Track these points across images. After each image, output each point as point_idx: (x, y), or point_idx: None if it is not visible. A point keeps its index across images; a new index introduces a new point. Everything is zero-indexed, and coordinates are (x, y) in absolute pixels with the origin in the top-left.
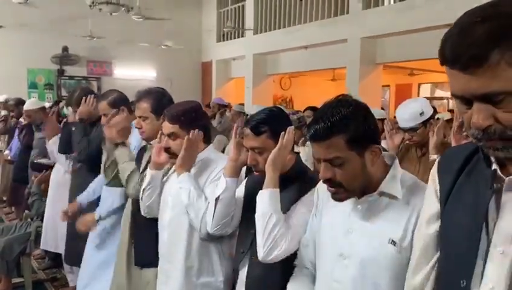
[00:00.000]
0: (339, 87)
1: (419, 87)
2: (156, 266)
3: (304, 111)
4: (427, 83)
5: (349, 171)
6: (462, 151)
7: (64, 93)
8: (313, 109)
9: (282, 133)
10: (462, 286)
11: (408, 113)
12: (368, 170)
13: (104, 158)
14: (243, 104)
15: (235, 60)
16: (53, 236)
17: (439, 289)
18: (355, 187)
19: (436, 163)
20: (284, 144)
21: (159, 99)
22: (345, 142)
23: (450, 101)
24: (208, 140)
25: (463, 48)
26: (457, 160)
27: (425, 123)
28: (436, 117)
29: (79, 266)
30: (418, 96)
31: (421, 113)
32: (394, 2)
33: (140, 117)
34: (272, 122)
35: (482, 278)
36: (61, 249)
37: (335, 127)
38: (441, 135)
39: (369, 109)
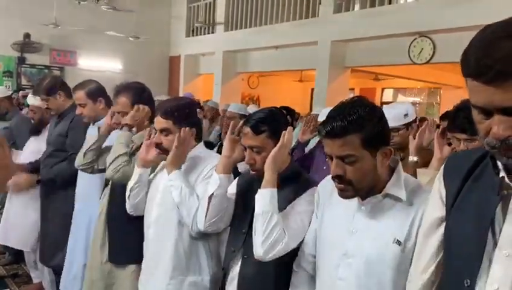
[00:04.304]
0: (306, 88)
1: (382, 91)
2: (132, 263)
3: None
4: (390, 88)
5: (361, 170)
6: (470, 156)
7: (24, 81)
8: (286, 109)
9: (284, 132)
10: (466, 285)
11: (393, 113)
12: (378, 170)
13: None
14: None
15: (204, 56)
16: (18, 232)
17: (443, 288)
18: (364, 186)
19: (442, 168)
20: (284, 143)
21: (139, 94)
22: (360, 140)
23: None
24: (199, 138)
25: (490, 62)
26: (465, 164)
27: (407, 126)
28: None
29: (54, 267)
30: (382, 100)
31: (405, 115)
32: (364, 7)
33: (119, 113)
34: (271, 122)
35: (487, 278)
36: (23, 246)
37: (351, 126)
38: (423, 137)
39: (383, 112)
